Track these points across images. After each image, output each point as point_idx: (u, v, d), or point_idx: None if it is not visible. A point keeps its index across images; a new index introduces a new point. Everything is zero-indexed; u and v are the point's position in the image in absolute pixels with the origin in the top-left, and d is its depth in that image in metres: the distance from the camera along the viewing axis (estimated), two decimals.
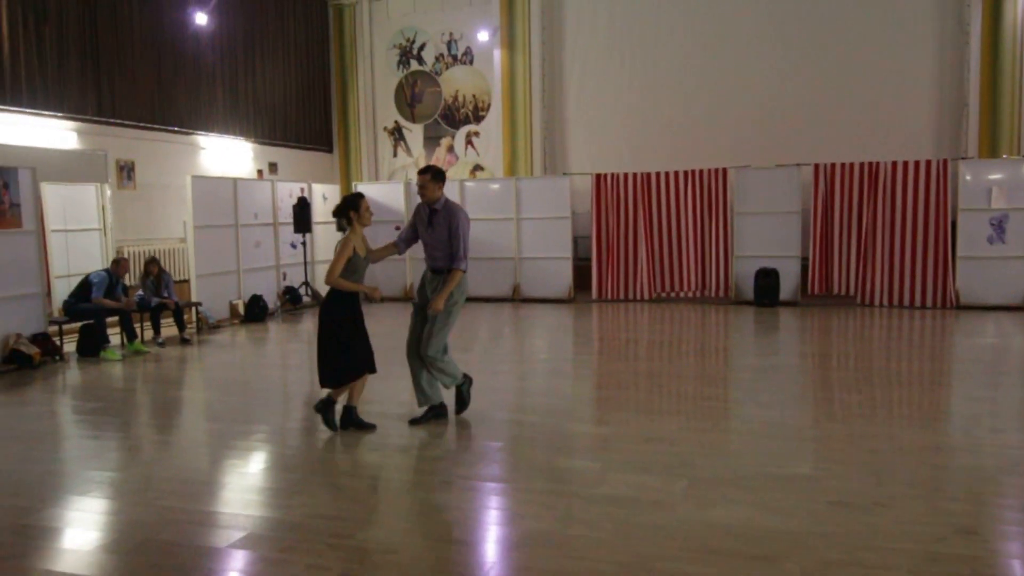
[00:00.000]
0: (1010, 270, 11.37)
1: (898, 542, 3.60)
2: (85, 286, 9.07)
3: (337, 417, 5.53)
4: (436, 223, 5.77)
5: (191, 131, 12.52)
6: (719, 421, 5.82)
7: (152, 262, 9.99)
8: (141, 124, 11.55)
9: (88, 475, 4.84)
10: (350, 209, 5.56)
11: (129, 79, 11.35)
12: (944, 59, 12.76)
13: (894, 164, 11.79)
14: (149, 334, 9.91)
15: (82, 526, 4.09)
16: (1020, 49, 12.18)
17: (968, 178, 11.51)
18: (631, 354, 8.79)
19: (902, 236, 11.79)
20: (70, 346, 9.25)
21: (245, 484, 4.69)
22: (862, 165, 11.97)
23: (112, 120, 11.07)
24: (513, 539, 3.76)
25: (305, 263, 12.94)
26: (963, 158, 12.04)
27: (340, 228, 13.34)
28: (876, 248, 11.92)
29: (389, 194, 14.26)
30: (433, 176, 5.80)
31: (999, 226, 11.43)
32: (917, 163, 11.72)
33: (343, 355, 5.41)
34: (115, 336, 9.50)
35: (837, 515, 3.92)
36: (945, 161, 11.67)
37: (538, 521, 3.95)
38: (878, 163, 11.90)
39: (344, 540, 3.73)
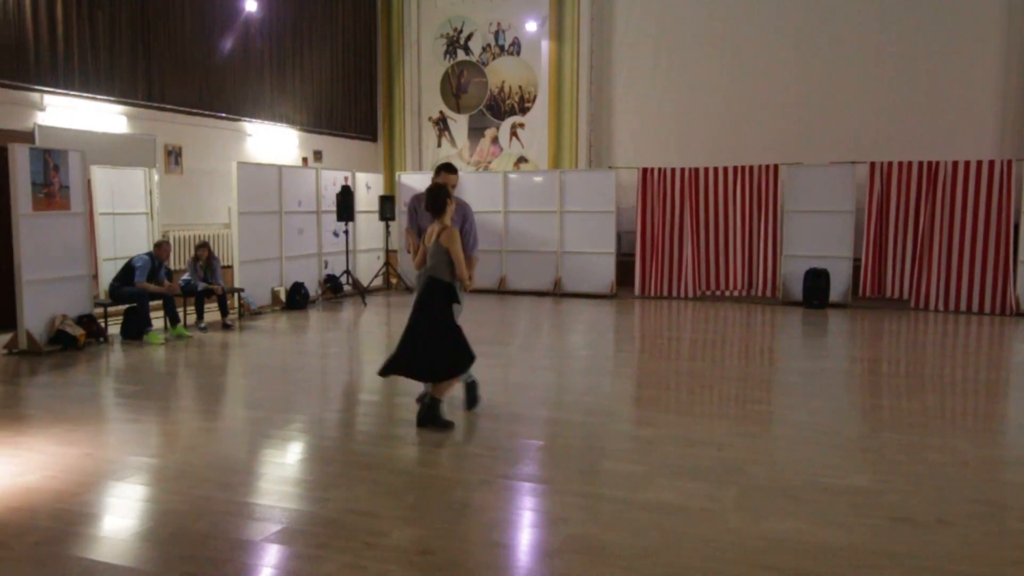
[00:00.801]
0: None
1: (968, 565, 3.37)
2: (128, 270, 9.14)
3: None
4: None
5: (238, 117, 12.56)
6: (768, 427, 5.59)
7: (203, 246, 10.03)
8: (189, 109, 11.61)
9: (126, 460, 4.81)
10: (447, 198, 5.36)
11: (178, 65, 11.41)
12: (1009, 54, 12.22)
13: (955, 163, 11.35)
14: (192, 318, 9.96)
15: (118, 513, 4.05)
16: None
17: None
18: (674, 353, 8.57)
19: (961, 238, 11.35)
20: (114, 328, 9.33)
21: (282, 475, 4.61)
22: (920, 164, 11.54)
23: (161, 105, 11.13)
24: (553, 544, 3.61)
25: (347, 252, 12.92)
26: None
27: (383, 218, 13.21)
28: (933, 250, 11.49)
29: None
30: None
31: None
32: (979, 163, 11.25)
33: (460, 345, 5.28)
34: (159, 320, 9.56)
35: (900, 532, 3.69)
36: (1009, 161, 11.19)
37: (580, 526, 3.80)
38: (937, 162, 11.46)
39: (380, 539, 3.62)
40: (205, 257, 9.94)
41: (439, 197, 5.31)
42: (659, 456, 4.85)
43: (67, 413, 5.89)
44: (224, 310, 10.08)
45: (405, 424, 5.54)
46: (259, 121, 12.96)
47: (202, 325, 9.75)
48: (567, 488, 4.31)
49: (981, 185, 11.22)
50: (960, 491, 4.25)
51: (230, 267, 11.33)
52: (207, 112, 11.93)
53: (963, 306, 11.35)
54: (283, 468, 4.74)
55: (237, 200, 11.08)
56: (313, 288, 12.54)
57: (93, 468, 4.64)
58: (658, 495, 4.18)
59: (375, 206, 13.92)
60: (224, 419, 5.86)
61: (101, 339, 8.86)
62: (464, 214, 5.83)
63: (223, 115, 12.24)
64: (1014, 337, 9.49)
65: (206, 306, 9.98)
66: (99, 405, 6.25)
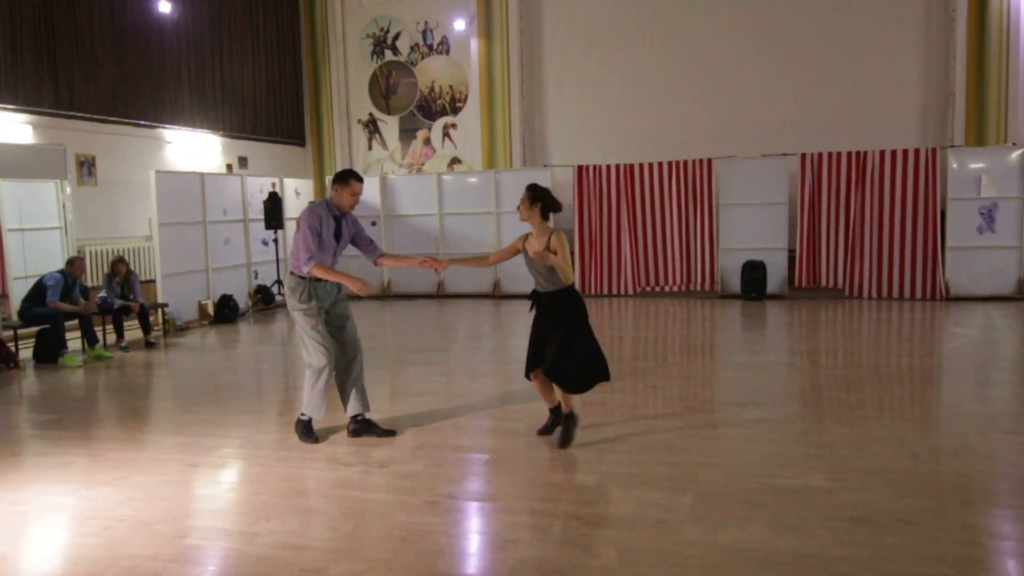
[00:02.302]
0: (1000, 260, 11.18)
1: (933, 566, 3.27)
2: (40, 289, 8.56)
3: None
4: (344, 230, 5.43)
5: (155, 124, 11.97)
6: (717, 426, 5.47)
7: (120, 261, 9.50)
8: (102, 117, 10.99)
9: (32, 500, 4.39)
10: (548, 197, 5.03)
11: (88, 69, 10.79)
12: (930, 46, 12.52)
13: (882, 153, 11.54)
14: (112, 338, 9.42)
15: (18, 559, 3.65)
16: (1006, 35, 11.96)
17: (955, 167, 11.29)
18: (618, 353, 8.42)
19: (891, 226, 11.55)
20: (27, 352, 8.74)
21: (209, 508, 4.26)
22: (849, 154, 11.71)
23: (71, 112, 10.50)
24: (503, 571, 3.38)
25: (277, 260, 12.46)
26: (951, 146, 11.82)
27: None
28: (864, 239, 11.67)
29: (365, 189, 13.70)
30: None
31: (989, 215, 11.22)
32: (905, 152, 11.47)
33: (596, 352, 5.00)
34: (75, 341, 8.99)
35: (860, 534, 3.58)
36: (934, 150, 11.44)
37: (531, 547, 3.58)
38: (865, 152, 11.64)
39: None
40: (123, 273, 9.41)
41: (539, 194, 5.01)
42: (609, 464, 4.66)
43: None
44: (146, 327, 9.56)
45: (341, 443, 5.24)
46: (178, 128, 12.38)
47: (123, 344, 9.22)
48: (515, 506, 4.09)
49: (908, 174, 11.44)
50: (914, 486, 4.17)
51: (153, 281, 10.77)
52: (121, 119, 11.33)
53: (895, 293, 11.56)
54: (209, 500, 4.39)
55: (157, 211, 10.53)
56: (243, 300, 12.05)
57: None
58: (611, 508, 3.99)
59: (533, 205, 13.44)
60: (146, 447, 5.43)
61: (11, 364, 8.27)
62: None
63: (139, 122, 11.64)
64: (945, 322, 9.67)
65: (126, 324, 9.44)
66: (4, 439, 5.75)
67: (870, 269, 11.66)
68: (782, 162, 11.91)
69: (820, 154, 11.82)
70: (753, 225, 12.06)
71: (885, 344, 8.68)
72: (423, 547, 3.61)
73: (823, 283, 12.02)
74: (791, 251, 12.05)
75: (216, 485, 4.61)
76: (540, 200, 5.02)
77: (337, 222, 5.32)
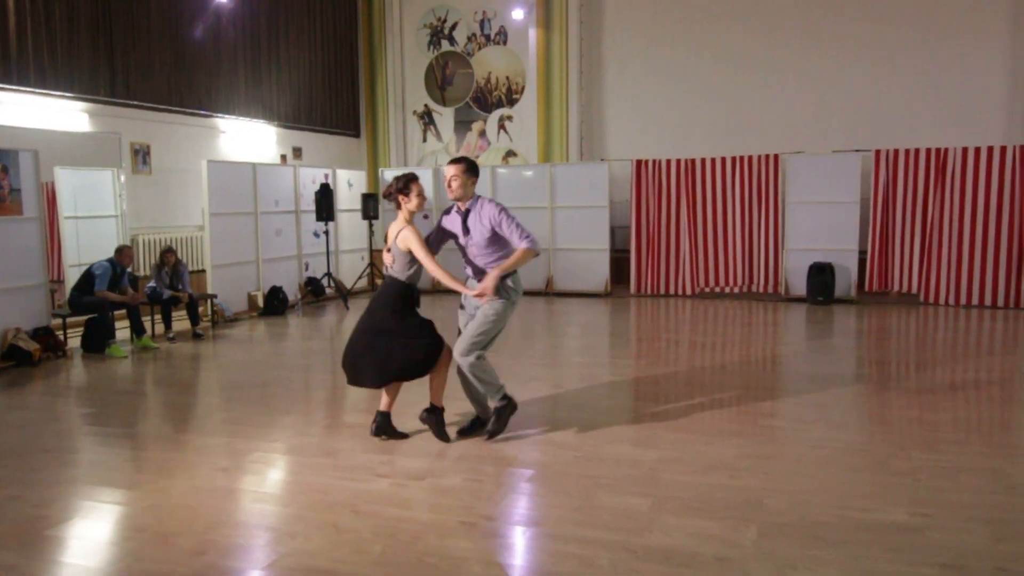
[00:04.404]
0: None
1: None
2: (88, 278, 8.51)
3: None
4: (471, 225, 5.01)
5: (210, 113, 11.90)
6: (784, 445, 5.01)
7: (169, 251, 9.43)
8: (157, 105, 10.95)
9: (55, 504, 4.21)
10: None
11: (145, 58, 10.75)
12: (1017, 34, 11.65)
13: (964, 150, 10.79)
14: (160, 328, 9.36)
15: (24, 572, 3.45)
16: None
17: None
18: (674, 358, 7.99)
19: (972, 228, 10.79)
20: (75, 341, 8.71)
21: (235, 521, 4.00)
22: (928, 151, 10.98)
23: (126, 101, 10.48)
24: None
25: (328, 253, 12.30)
26: None
27: (366, 217, 12.61)
28: (943, 241, 10.94)
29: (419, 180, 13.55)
30: (468, 168, 5.02)
31: None
32: (990, 149, 10.70)
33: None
34: (124, 330, 8.95)
35: None
36: (1022, 147, 10.63)
37: None
38: (946, 149, 10.90)
39: None
40: (172, 263, 9.33)
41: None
42: (664, 486, 4.27)
43: (7, 444, 5.29)
44: (194, 318, 9.48)
45: (378, 449, 4.96)
46: (233, 117, 12.31)
47: (170, 335, 9.14)
48: (560, 532, 3.73)
49: (992, 172, 10.67)
50: (1013, 526, 3.68)
51: (203, 272, 10.70)
52: (176, 108, 11.27)
53: (975, 300, 10.81)
54: (234, 511, 4.14)
55: (208, 201, 10.45)
56: (292, 292, 11.93)
57: (15, 516, 4.03)
58: (665, 539, 3.60)
59: (358, 204, 13.32)
60: (180, 448, 5.23)
61: (59, 353, 8.24)
62: (488, 217, 5.08)
63: (194, 111, 11.59)
64: None
65: (174, 315, 9.37)
66: (39, 433, 5.62)
67: (948, 274, 10.93)
68: (855, 159, 11.25)
69: (896, 150, 11.12)
70: (821, 225, 11.43)
71: (963, 356, 8.03)
72: None
73: (895, 287, 11.33)
74: (862, 253, 11.39)
75: (244, 494, 4.35)
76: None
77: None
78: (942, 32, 11.92)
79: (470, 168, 5.05)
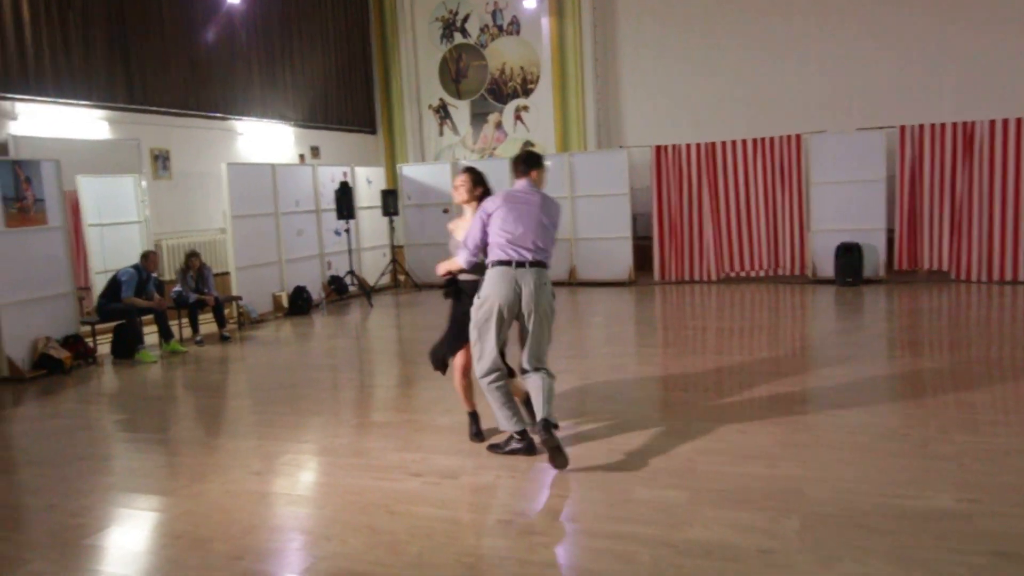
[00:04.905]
0: None
1: None
2: (114, 285, 8.57)
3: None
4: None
5: (228, 116, 11.94)
6: (821, 432, 4.92)
7: (193, 255, 9.47)
8: (174, 110, 10.99)
9: (91, 512, 4.23)
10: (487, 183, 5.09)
11: (160, 63, 10.79)
12: None
13: (992, 123, 10.56)
14: (188, 332, 9.41)
15: None
16: None
17: None
18: (702, 346, 7.91)
19: (1003, 203, 10.57)
20: (105, 347, 8.78)
21: (269, 524, 3.99)
22: (955, 125, 10.77)
23: (144, 107, 10.52)
24: None
25: (350, 251, 12.31)
26: None
27: (386, 213, 12.53)
28: (972, 217, 10.73)
29: (437, 175, 13.56)
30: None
31: None
32: (1019, 120, 10.46)
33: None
34: (152, 336, 9.01)
35: (1007, 573, 3.04)
36: None
37: None
38: (973, 123, 10.68)
39: None
40: (197, 267, 9.37)
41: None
42: (701, 477, 4.21)
43: (35, 452, 5.33)
44: (221, 321, 9.52)
45: (410, 448, 4.94)
46: (250, 119, 12.33)
47: (198, 339, 9.19)
48: (597, 528, 3.68)
49: (1022, 144, 10.43)
50: None
51: (227, 274, 10.75)
52: (193, 112, 11.31)
53: (1008, 275, 10.60)
54: (270, 515, 4.13)
55: (229, 203, 10.48)
56: (316, 291, 11.96)
57: (53, 525, 4.06)
58: (705, 532, 3.54)
59: (378, 201, 13.32)
60: (213, 452, 5.25)
61: (90, 360, 8.31)
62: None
63: (211, 114, 11.62)
64: None
65: (201, 318, 9.41)
66: (74, 441, 5.66)
67: (978, 249, 10.72)
68: (880, 136, 11.05)
69: (921, 126, 10.91)
70: (847, 204, 11.25)
71: (997, 334, 7.88)
72: None
73: (925, 266, 11.14)
74: (889, 232, 11.21)
75: (278, 497, 4.35)
76: (482, 185, 4.96)
77: None
78: (962, 2, 11.65)
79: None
